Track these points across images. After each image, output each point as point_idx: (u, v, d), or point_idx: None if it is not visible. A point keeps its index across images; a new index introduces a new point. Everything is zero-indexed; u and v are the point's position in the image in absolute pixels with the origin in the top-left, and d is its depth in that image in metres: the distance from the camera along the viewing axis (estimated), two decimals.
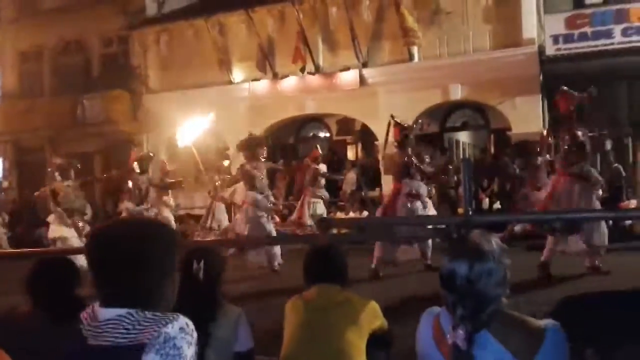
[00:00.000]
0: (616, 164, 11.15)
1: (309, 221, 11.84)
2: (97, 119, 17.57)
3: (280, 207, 12.80)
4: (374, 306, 2.76)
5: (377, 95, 14.83)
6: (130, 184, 9.65)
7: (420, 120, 12.02)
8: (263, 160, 8.83)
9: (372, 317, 2.73)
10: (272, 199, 8.85)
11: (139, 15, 17.78)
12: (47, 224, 9.50)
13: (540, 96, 13.51)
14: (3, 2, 19.93)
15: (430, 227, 6.10)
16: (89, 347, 1.38)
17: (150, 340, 1.33)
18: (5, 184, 18.60)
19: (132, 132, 17.67)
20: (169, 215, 10.76)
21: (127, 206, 9.51)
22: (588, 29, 13.07)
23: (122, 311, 1.37)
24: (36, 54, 19.54)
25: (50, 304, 2.48)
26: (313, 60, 15.20)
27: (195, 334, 1.40)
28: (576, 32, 13.14)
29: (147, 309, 1.39)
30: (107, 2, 17.93)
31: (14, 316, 2.63)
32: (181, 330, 1.36)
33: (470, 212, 3.44)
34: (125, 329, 1.35)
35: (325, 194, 12.59)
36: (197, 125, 9.51)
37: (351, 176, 14.31)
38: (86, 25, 18.07)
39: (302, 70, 15.30)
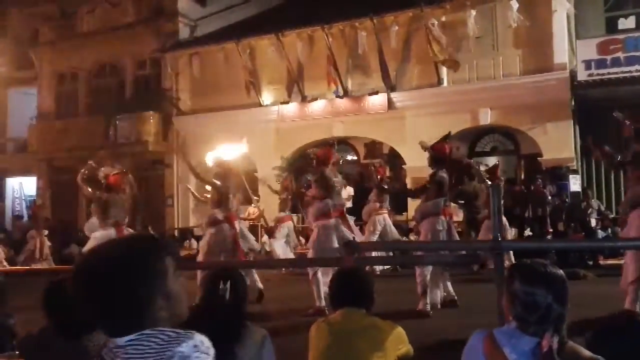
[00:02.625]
0: None
1: None
2: (128, 139, 17.91)
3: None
4: (400, 332, 2.72)
5: (405, 119, 14.82)
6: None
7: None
8: None
9: (398, 342, 2.68)
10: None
11: (172, 38, 18.20)
12: (78, 242, 9.52)
13: (572, 122, 13.34)
14: (41, 25, 20.61)
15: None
16: None
17: None
18: (39, 201, 19.01)
19: (161, 152, 17.96)
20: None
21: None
22: (621, 55, 12.92)
23: (133, 335, 1.35)
24: (72, 76, 20.11)
25: (64, 321, 2.50)
26: (342, 84, 15.30)
27: (212, 352, 1.37)
28: (609, 57, 13.00)
29: (152, 327, 1.36)
30: (142, 26, 18.42)
31: (35, 334, 2.66)
32: (195, 348, 1.33)
33: (499, 238, 3.37)
34: (143, 347, 1.34)
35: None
36: (231, 150, 9.51)
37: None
38: (121, 48, 18.56)
39: (336, 92, 15.38)
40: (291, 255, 11.79)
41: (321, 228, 7.21)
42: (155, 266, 1.41)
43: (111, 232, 8.64)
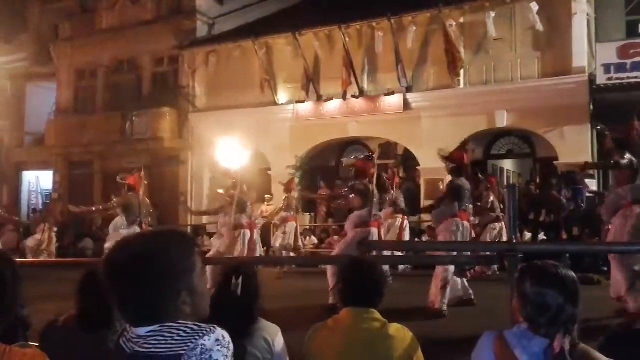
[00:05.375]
0: None
1: None
2: (144, 135, 18.04)
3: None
4: (413, 338, 2.55)
5: (420, 120, 14.77)
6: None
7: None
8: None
9: (413, 349, 2.52)
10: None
11: (189, 36, 18.30)
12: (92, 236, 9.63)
13: (590, 126, 13.19)
14: (61, 20, 20.82)
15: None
16: (127, 354, 1.39)
17: (186, 352, 1.33)
18: (55, 195, 19.23)
19: (177, 148, 18.07)
20: None
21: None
22: None
23: (155, 326, 1.38)
24: (90, 71, 20.29)
25: (95, 311, 2.52)
26: (357, 83, 15.27)
27: (231, 346, 1.39)
28: (628, 61, 12.83)
29: (174, 320, 1.39)
30: (160, 23, 18.55)
31: (58, 323, 2.68)
32: (217, 342, 1.36)
33: (514, 240, 3.35)
34: (164, 338, 1.36)
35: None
36: (235, 151, 9.68)
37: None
38: (139, 45, 18.70)
39: (344, 95, 15.40)
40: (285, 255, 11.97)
41: (359, 233, 7.28)
42: (185, 261, 1.45)
43: (137, 230, 8.84)
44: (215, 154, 11.23)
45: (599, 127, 6.78)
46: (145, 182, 9.69)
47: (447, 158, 7.40)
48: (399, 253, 8.19)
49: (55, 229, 13.59)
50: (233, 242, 8.68)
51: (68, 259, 9.18)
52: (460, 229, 7.02)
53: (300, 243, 12.54)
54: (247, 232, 8.91)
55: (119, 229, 8.97)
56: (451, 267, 6.72)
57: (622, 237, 5.82)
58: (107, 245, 8.94)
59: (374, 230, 7.46)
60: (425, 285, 7.22)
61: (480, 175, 11.82)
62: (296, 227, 12.59)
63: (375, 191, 7.71)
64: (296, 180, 14.67)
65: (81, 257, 12.73)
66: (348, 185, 7.93)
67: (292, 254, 11.83)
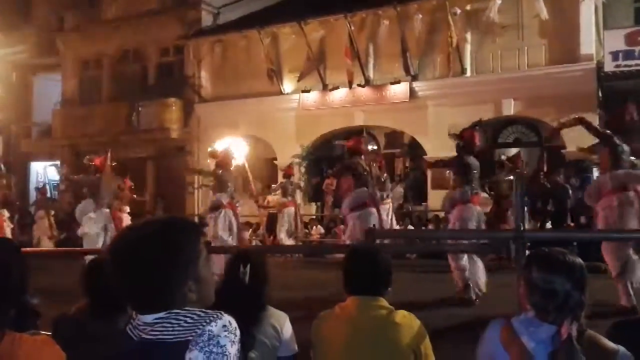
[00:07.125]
0: None
1: None
2: (150, 126, 18.05)
3: None
4: (420, 326, 2.52)
5: (427, 108, 14.71)
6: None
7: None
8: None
9: (420, 337, 2.50)
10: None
11: (195, 26, 18.26)
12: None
13: (598, 114, 13.10)
14: (66, 11, 20.81)
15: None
16: (134, 342, 1.41)
17: (194, 338, 1.34)
18: (62, 186, 19.32)
19: (183, 139, 18.08)
20: None
21: None
22: None
23: (162, 314, 1.39)
24: (96, 62, 20.29)
25: (103, 300, 2.54)
26: (363, 73, 15.20)
27: (238, 332, 1.40)
28: (637, 48, 12.72)
29: (180, 307, 1.40)
30: (165, 13, 18.50)
31: (71, 312, 2.71)
32: (224, 328, 1.37)
33: (522, 228, 3.35)
34: (172, 325, 1.37)
35: None
36: (236, 146, 9.67)
37: (398, 190, 14.20)
38: (144, 35, 18.67)
39: (350, 84, 15.35)
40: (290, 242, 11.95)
41: (356, 218, 7.07)
42: (191, 249, 1.46)
43: (106, 212, 8.87)
44: (221, 145, 11.25)
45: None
46: (113, 163, 9.78)
47: (456, 136, 7.18)
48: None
49: (52, 212, 13.75)
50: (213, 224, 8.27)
51: (79, 248, 9.20)
52: (475, 214, 6.73)
53: (300, 229, 12.51)
54: (229, 212, 8.44)
55: (88, 213, 8.92)
56: (465, 261, 6.51)
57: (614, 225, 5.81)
58: (85, 230, 8.93)
59: (372, 210, 7.15)
60: (431, 274, 7.22)
61: (504, 158, 11.72)
62: (295, 213, 12.55)
63: (375, 170, 7.44)
64: (302, 169, 14.69)
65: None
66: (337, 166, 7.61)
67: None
